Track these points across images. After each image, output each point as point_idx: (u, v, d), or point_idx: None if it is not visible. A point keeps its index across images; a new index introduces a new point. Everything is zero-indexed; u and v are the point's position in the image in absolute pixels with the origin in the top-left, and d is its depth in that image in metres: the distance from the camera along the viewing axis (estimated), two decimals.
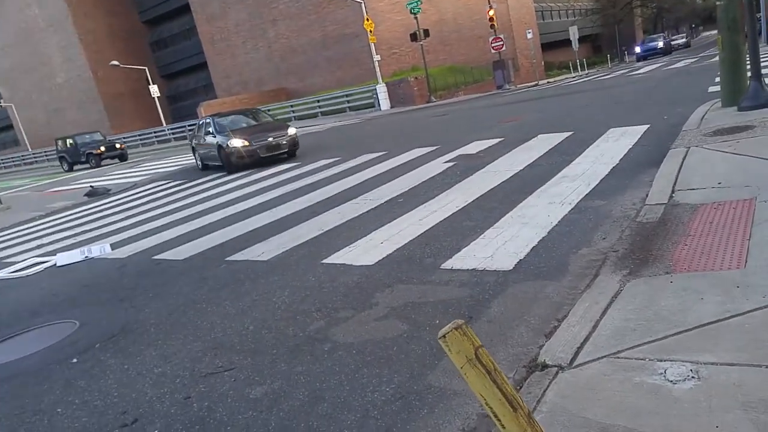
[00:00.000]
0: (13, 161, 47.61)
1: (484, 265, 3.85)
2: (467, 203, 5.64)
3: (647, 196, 4.44)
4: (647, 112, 9.36)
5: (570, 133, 8.51)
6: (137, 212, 10.15)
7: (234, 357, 3.30)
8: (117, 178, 18.60)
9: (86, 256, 6.99)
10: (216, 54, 44.72)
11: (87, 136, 29.15)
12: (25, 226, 11.76)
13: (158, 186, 13.87)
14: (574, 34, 33.64)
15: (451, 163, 8.05)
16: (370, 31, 26.94)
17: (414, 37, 27.55)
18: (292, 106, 33.34)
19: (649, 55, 37.67)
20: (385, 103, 27.26)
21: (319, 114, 31.18)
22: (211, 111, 37.97)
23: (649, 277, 2.99)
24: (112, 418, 2.90)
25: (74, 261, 6.90)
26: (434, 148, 9.88)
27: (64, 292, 5.62)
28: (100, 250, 7.19)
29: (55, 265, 6.95)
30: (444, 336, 1.52)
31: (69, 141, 28.60)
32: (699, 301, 2.59)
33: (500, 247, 4.13)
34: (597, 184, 5.34)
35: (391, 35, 35.00)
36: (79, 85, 52.75)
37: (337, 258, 4.78)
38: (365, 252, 4.77)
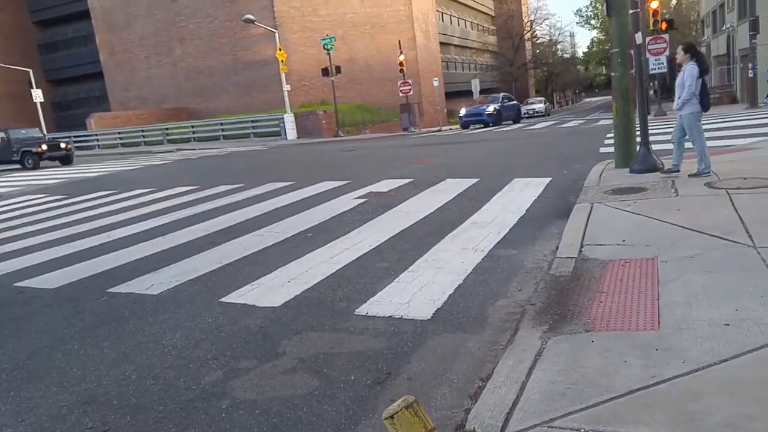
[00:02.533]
0: None
1: (401, 313, 3.64)
2: (380, 243, 5.46)
3: (557, 248, 4.53)
4: (547, 165, 9.88)
5: (477, 179, 8.73)
6: (1, 228, 8.91)
7: (109, 414, 2.78)
8: None
9: None
10: (115, 65, 42.13)
11: (23, 131, 24.24)
12: None
13: (31, 200, 12.40)
14: (475, 86, 35.61)
15: (361, 200, 7.90)
16: (282, 61, 26.72)
17: (326, 72, 27.71)
18: (193, 126, 32.04)
19: (472, 122, 28.24)
20: (291, 133, 26.97)
21: (222, 137, 30.18)
22: (104, 124, 35.67)
23: (570, 335, 2.95)
24: None
25: None
26: (344, 182, 9.71)
27: None
28: None
29: None
30: (392, 417, 1.27)
31: (0, 135, 23.39)
32: (623, 364, 2.55)
33: (417, 293, 3.96)
34: (507, 233, 5.42)
35: (302, 67, 34.99)
36: None
37: (237, 297, 4.35)
38: (270, 291, 4.39)
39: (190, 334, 3.71)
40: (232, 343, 3.50)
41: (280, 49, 26.86)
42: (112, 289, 4.86)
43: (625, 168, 7.68)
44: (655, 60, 20.14)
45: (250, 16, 26.70)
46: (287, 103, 27.28)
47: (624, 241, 4.43)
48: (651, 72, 20.45)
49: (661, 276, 3.57)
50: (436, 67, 43.02)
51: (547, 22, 68.60)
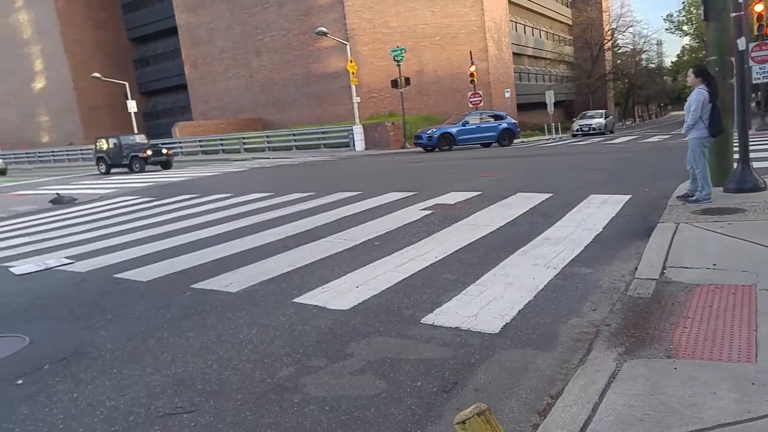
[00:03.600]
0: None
1: (468, 325, 3.71)
2: (447, 255, 5.54)
3: (636, 269, 4.40)
4: (627, 181, 9.58)
5: (550, 194, 8.61)
6: (102, 225, 9.71)
7: (195, 397, 3.04)
8: (91, 188, 17.94)
9: (45, 267, 6.57)
10: (197, 77, 44.60)
11: (131, 138, 26.30)
12: None
13: (127, 201, 13.39)
14: (550, 98, 34.79)
15: (428, 211, 8.01)
16: (353, 73, 27.34)
17: (395, 83, 28.09)
18: (267, 136, 33.29)
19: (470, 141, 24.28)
20: (360, 144, 27.46)
21: (294, 147, 31.17)
22: (187, 132, 37.71)
23: (648, 360, 2.86)
24: None
25: (32, 271, 6.48)
26: (410, 194, 9.86)
27: (17, 302, 5.23)
28: (58, 261, 6.78)
29: (11, 271, 6.52)
30: (464, 422, 1.36)
31: (112, 141, 25.50)
32: (712, 396, 2.43)
33: (484, 307, 4.01)
34: (581, 251, 5.32)
35: (371, 79, 35.61)
36: (58, 93, 51.67)
37: (309, 298, 4.58)
38: (339, 295, 4.59)
39: (265, 331, 3.95)
40: (303, 342, 3.70)
41: (350, 61, 27.50)
42: (195, 285, 5.22)
43: (719, 187, 7.09)
44: (760, 69, 18.69)
45: (323, 29, 27.54)
46: (356, 115, 27.85)
47: (715, 265, 4.21)
48: (754, 82, 18.95)
49: (760, 305, 3.36)
50: (508, 78, 42.52)
51: (630, 30, 64.21)
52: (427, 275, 4.93)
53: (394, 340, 3.60)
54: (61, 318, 4.66)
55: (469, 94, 29.12)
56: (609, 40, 60.28)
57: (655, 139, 22.53)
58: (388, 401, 2.86)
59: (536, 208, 7.68)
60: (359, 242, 6.45)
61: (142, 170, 24.34)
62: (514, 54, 47.04)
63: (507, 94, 33.39)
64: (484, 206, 8.07)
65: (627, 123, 64.88)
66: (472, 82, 29.11)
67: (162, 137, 37.27)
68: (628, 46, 67.02)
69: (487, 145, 24.56)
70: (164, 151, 25.55)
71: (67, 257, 7.04)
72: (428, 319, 3.90)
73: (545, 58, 58.32)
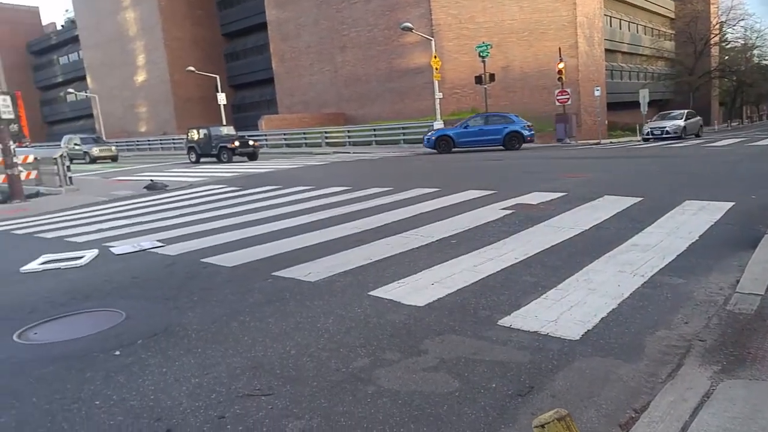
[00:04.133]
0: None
1: (547, 330, 3.59)
2: (527, 256, 5.39)
3: (738, 282, 4.07)
4: (730, 188, 8.91)
5: (640, 198, 8.15)
6: (191, 212, 10.29)
7: (273, 381, 3.15)
8: (181, 176, 19.09)
9: (140, 248, 7.06)
10: (284, 72, 46.13)
11: (221, 129, 27.24)
12: (90, 208, 12.15)
13: (214, 189, 14.11)
14: (644, 97, 32.91)
15: (508, 211, 7.82)
16: (436, 69, 27.22)
17: (479, 79, 27.66)
18: (348, 131, 33.88)
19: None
20: None
21: (374, 142, 31.52)
22: (272, 125, 39.13)
23: (750, 381, 2.65)
24: (146, 423, 2.78)
25: (128, 251, 6.98)
26: (490, 192, 9.68)
27: (115, 281, 5.64)
28: (152, 244, 7.27)
29: (112, 251, 7.06)
30: (543, 426, 1.32)
31: (203, 132, 26.70)
32: None
33: (565, 312, 3.86)
34: (673, 259, 4.99)
35: (455, 75, 35.32)
36: (156, 85, 55.48)
37: (384, 292, 4.60)
38: (415, 291, 4.58)
39: (342, 321, 4.02)
40: (378, 335, 3.73)
41: (434, 57, 27.38)
42: (276, 273, 5.40)
43: None
44: None
45: (409, 24, 27.58)
46: (438, 111, 27.72)
47: None
48: None
49: None
50: (598, 76, 40.68)
51: (742, 23, 58.33)
52: (506, 276, 4.82)
53: (469, 340, 3.55)
54: (153, 297, 4.98)
55: (556, 91, 28.18)
56: (716, 35, 55.36)
57: (764, 142, 20.72)
58: (462, 400, 2.82)
59: (625, 212, 7.30)
60: (436, 239, 6.41)
61: (229, 160, 25.18)
62: (607, 50, 44.80)
63: (597, 93, 31.95)
64: (569, 208, 7.78)
65: (733, 124, 59.93)
66: (559, 79, 28.14)
67: (248, 129, 38.93)
68: (739, 41, 61.44)
69: (492, 149, 23.11)
70: (250, 142, 26.29)
71: (159, 240, 7.51)
72: (505, 321, 3.81)
73: (641, 55, 55.00)
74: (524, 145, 23.20)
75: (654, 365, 3.06)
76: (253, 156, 26.15)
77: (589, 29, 38.81)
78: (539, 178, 11.70)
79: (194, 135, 27.20)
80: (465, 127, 23.63)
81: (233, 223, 8.56)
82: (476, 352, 3.37)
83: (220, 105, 38.59)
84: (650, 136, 27.07)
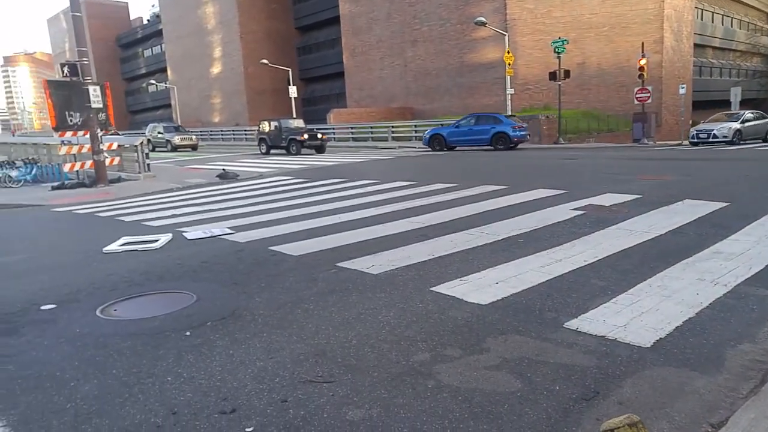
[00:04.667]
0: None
1: (616, 335, 3.45)
2: (597, 259, 5.20)
3: None
4: None
5: (725, 203, 7.65)
6: (260, 201, 10.63)
7: (335, 369, 3.21)
8: (252, 167, 19.76)
9: (211, 234, 7.38)
10: (354, 66, 46.65)
11: (291, 122, 27.90)
12: (165, 195, 12.84)
13: (282, 180, 14.51)
14: (735, 95, 30.66)
15: (579, 212, 7.57)
16: (509, 64, 26.66)
17: (553, 76, 26.85)
18: (415, 126, 33.83)
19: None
20: None
21: None
22: (340, 119, 39.73)
23: None
24: (213, 401, 2.91)
25: (200, 237, 7.31)
26: (561, 192, 9.39)
27: (187, 264, 5.93)
28: (222, 230, 7.57)
29: (185, 236, 7.42)
30: (612, 430, 1.27)
31: (273, 124, 27.33)
32: None
33: (636, 318, 3.70)
34: (762, 269, 4.65)
35: (528, 71, 34.50)
36: (231, 78, 57.64)
37: (446, 288, 4.58)
38: (478, 289, 4.52)
39: (403, 315, 4.03)
40: (439, 330, 3.71)
41: (508, 52, 26.83)
42: (339, 264, 5.49)
43: None
44: None
45: (482, 19, 27.14)
46: (509, 107, 27.17)
47: None
48: None
49: None
50: (685, 73, 38.52)
51: None
52: (574, 279, 4.67)
53: (533, 341, 3.47)
54: (223, 281, 5.18)
55: (636, 89, 26.89)
56: None
57: None
58: (523, 401, 2.77)
59: (707, 217, 6.87)
60: (501, 238, 6.30)
61: (298, 153, 25.71)
62: (696, 45, 42.20)
63: (682, 90, 30.17)
64: (644, 211, 7.42)
65: None
66: (640, 76, 26.78)
67: (317, 123, 39.70)
68: None
69: (481, 149, 23.27)
70: (319, 135, 26.75)
71: (229, 227, 7.81)
72: (572, 324, 3.69)
73: (735, 50, 51.43)
74: (595, 144, 22.34)
75: (735, 380, 2.87)
76: (320, 149, 26.56)
77: (677, 23, 36.77)
78: (613, 179, 11.24)
79: (265, 127, 27.86)
80: (456, 127, 24.18)
81: (300, 214, 8.77)
82: (540, 354, 3.28)
83: (290, 98, 39.57)
84: (696, 140, 23.22)
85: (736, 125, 22.60)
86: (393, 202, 9.50)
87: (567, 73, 26.83)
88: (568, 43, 27.37)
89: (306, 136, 26.03)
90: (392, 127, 34.83)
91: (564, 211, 7.64)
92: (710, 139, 22.74)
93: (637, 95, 26.64)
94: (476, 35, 36.53)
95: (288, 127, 27.10)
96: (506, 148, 22.69)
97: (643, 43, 29.19)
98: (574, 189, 9.65)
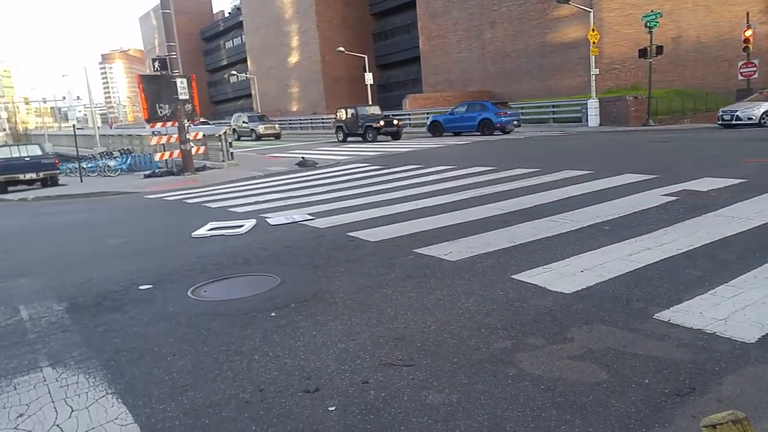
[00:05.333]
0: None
1: (714, 329, 3.23)
2: (692, 248, 4.87)
3: None
4: None
5: None
6: (338, 188, 10.84)
7: (414, 354, 3.23)
8: (329, 155, 20.19)
9: (292, 220, 7.62)
10: (430, 50, 46.13)
11: (367, 109, 28.02)
12: (248, 182, 13.40)
13: (359, 167, 14.70)
14: None
15: (671, 198, 7.12)
16: (593, 43, 25.36)
17: (643, 53, 25.22)
18: None
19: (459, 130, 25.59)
20: (593, 120, 25.58)
21: (521, 121, 30.40)
22: (416, 105, 39.57)
23: None
24: (297, 380, 3.01)
25: (282, 222, 7.57)
26: (651, 176, 8.87)
27: (271, 249, 6.16)
28: (302, 216, 7.79)
29: (268, 222, 7.71)
30: (714, 426, 1.19)
31: (350, 111, 27.49)
32: None
33: (738, 312, 3.43)
34: None
35: (614, 49, 32.62)
36: (307, 66, 58.78)
37: (528, 276, 4.47)
38: (561, 277, 4.38)
39: (482, 302, 3.98)
40: (521, 319, 3.64)
41: (593, 30, 25.52)
42: (417, 250, 5.50)
43: None
44: None
45: None
46: (593, 88, 25.92)
47: None
48: None
49: None
50: None
51: None
52: (666, 268, 4.40)
53: (620, 332, 3.32)
54: (304, 265, 5.34)
55: (740, 63, 24.77)
56: None
57: None
58: (610, 393, 2.66)
59: None
60: (586, 225, 6.06)
61: (374, 140, 25.76)
62: None
63: None
64: (748, 196, 6.85)
65: None
66: (745, 49, 24.59)
67: (393, 109, 39.75)
68: None
69: (470, 134, 25.11)
70: (395, 122, 26.69)
71: (309, 213, 8.02)
72: (663, 315, 3.49)
73: None
74: (690, 125, 20.81)
75: None
76: (396, 135, 26.49)
77: None
78: (712, 162, 10.48)
79: (342, 115, 28.06)
80: (451, 114, 26.71)
81: (377, 200, 8.85)
82: (627, 345, 3.14)
83: (366, 84, 39.84)
84: (723, 123, 20.83)
85: (763, 108, 20.12)
86: (471, 187, 9.37)
87: (659, 50, 25.11)
88: (661, 17, 25.58)
89: (382, 122, 26.05)
90: None
91: (654, 197, 7.22)
92: (733, 122, 20.43)
93: (742, 70, 24.58)
94: (558, 13, 34.97)
95: (364, 114, 27.20)
96: (491, 133, 24.40)
97: (748, 13, 26.73)
98: (666, 173, 9.08)
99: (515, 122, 25.36)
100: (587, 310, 3.70)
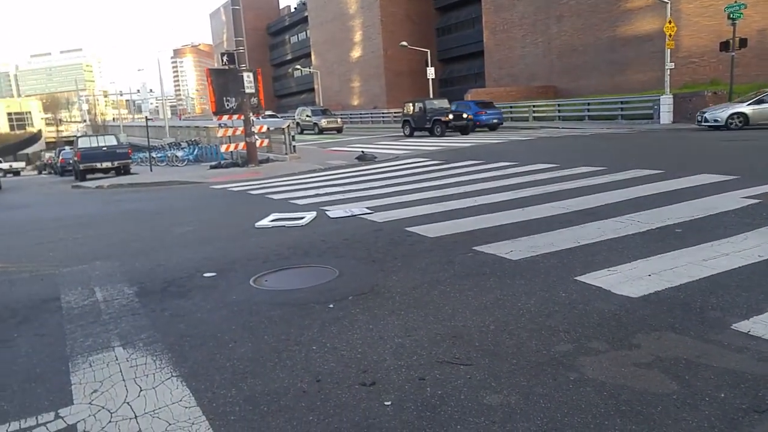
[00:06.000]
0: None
1: None
2: None
3: None
4: None
5: None
6: (396, 183, 10.85)
7: (472, 352, 3.18)
8: (389, 149, 20.27)
9: (350, 214, 7.69)
10: (494, 44, 45.37)
11: (435, 102, 26.82)
12: (309, 175, 13.66)
13: (418, 162, 14.65)
14: None
15: (753, 200, 6.67)
16: (670, 36, 24.11)
17: (725, 46, 23.75)
18: (559, 105, 32.09)
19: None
20: (666, 116, 24.35)
21: (587, 117, 29.40)
22: (477, 99, 39.02)
23: None
24: (354, 372, 3.03)
25: (341, 215, 7.66)
26: (730, 177, 8.34)
27: (330, 241, 6.25)
28: (361, 210, 7.85)
29: (328, 214, 7.83)
30: None
31: (418, 105, 26.42)
32: None
33: None
34: None
35: (692, 42, 30.93)
36: (370, 61, 59.14)
37: (592, 278, 4.30)
38: (628, 280, 4.19)
39: (544, 303, 3.87)
40: (583, 322, 3.51)
41: (669, 22, 24.27)
42: (476, 248, 5.42)
43: None
44: None
45: None
46: (667, 83, 24.65)
47: None
48: None
49: None
50: None
51: None
52: (745, 275, 4.13)
53: (692, 341, 3.14)
54: (362, 258, 5.38)
55: None
56: None
57: None
58: (680, 404, 2.52)
59: None
60: (655, 227, 5.77)
61: (442, 134, 24.69)
62: None
63: None
64: None
65: None
66: None
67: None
68: None
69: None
70: (464, 115, 25.43)
71: (367, 207, 8.07)
72: (742, 325, 3.28)
73: None
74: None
75: None
76: (465, 130, 25.31)
77: None
78: None
79: (410, 108, 27.19)
80: (478, 107, 28.52)
81: (436, 196, 8.79)
82: (701, 356, 2.96)
83: (428, 79, 39.64)
84: (716, 122, 19.21)
85: (729, 111, 18.89)
86: (534, 185, 9.14)
87: (743, 42, 23.55)
88: (745, 8, 23.98)
89: (451, 116, 24.95)
90: (533, 106, 33.38)
91: (733, 199, 6.79)
92: (704, 124, 19.52)
93: None
94: (631, 5, 33.54)
95: (432, 107, 26.08)
96: (473, 130, 26.26)
97: None
98: (748, 174, 8.52)
99: (495, 120, 28.15)
100: (655, 316, 3.53)
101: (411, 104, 27.33)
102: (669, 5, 25.06)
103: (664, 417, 2.43)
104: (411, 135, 26.67)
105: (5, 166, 47.43)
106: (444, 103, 26.98)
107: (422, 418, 2.54)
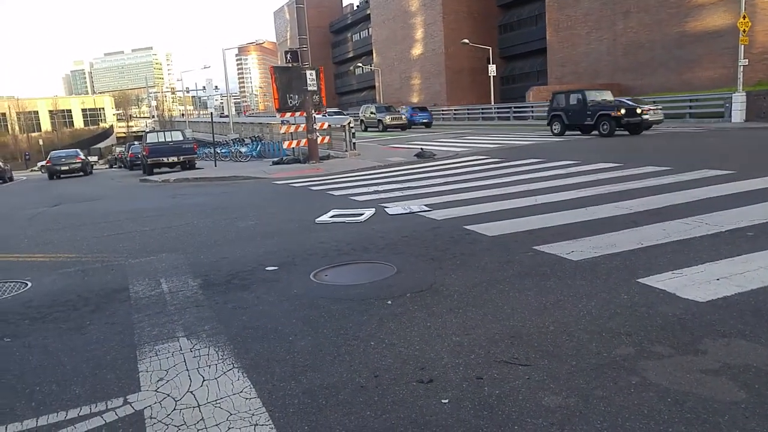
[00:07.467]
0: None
1: None
2: None
3: None
4: None
5: None
6: (455, 180, 10.84)
7: (531, 353, 3.18)
8: (448, 146, 20.22)
9: (409, 211, 7.77)
10: (557, 41, 44.26)
11: (595, 93, 21.48)
12: (368, 172, 13.85)
13: (477, 160, 14.56)
14: None
15: None
16: (744, 31, 22.81)
17: None
18: None
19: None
20: (738, 115, 23.06)
21: None
22: (539, 97, 38.20)
23: None
24: (411, 369, 3.10)
25: (400, 212, 7.75)
26: None
27: (388, 238, 6.34)
28: (419, 207, 7.91)
29: (387, 211, 7.94)
30: None
31: (574, 96, 21.12)
32: None
33: None
34: None
35: (767, 38, 29.12)
36: (431, 58, 58.94)
37: (656, 281, 4.18)
38: (694, 284, 4.05)
39: (605, 305, 3.81)
40: (646, 325, 3.43)
41: (744, 17, 22.96)
42: (536, 247, 5.37)
43: None
44: None
45: None
46: (740, 80, 23.34)
47: None
48: None
49: None
50: None
51: None
52: None
53: (763, 349, 3.02)
54: (420, 256, 5.43)
55: None
56: None
57: None
58: (749, 414, 2.44)
59: None
60: (725, 229, 5.53)
61: (611, 134, 19.23)
62: None
63: None
64: None
65: None
66: None
67: (515, 101, 38.62)
68: None
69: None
70: (638, 110, 19.28)
71: (426, 204, 8.11)
72: None
73: None
74: None
75: None
76: (637, 129, 19.44)
77: None
78: None
79: (561, 101, 21.73)
80: (413, 110, 38.80)
81: (495, 194, 8.73)
82: None
83: (489, 76, 39.16)
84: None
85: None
86: (597, 184, 8.92)
87: None
88: None
89: (623, 110, 19.18)
90: None
91: None
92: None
93: None
94: (701, 0, 31.92)
95: (594, 100, 20.66)
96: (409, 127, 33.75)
97: None
98: None
99: (425, 121, 38.11)
100: (724, 321, 3.41)
101: (563, 95, 22.03)
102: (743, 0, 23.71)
103: (732, 426, 2.37)
104: (562, 133, 21.58)
105: (93, 159, 50.83)
106: (607, 95, 21.60)
107: (479, 417, 2.58)
